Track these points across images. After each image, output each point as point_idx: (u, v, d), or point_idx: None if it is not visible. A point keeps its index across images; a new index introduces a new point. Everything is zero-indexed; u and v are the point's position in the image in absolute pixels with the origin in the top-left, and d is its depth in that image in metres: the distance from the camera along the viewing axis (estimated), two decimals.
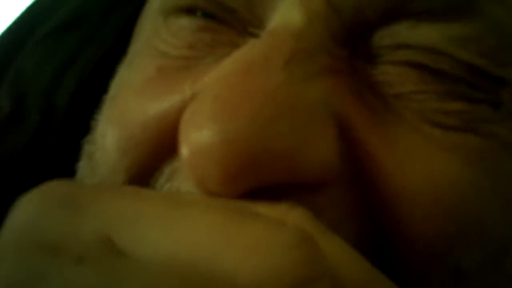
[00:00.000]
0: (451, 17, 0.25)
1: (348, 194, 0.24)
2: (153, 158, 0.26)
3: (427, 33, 0.25)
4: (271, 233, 0.19)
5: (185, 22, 0.28)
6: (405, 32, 0.25)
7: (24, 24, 0.37)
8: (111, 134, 0.28)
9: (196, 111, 0.23)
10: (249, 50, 0.24)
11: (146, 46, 0.30)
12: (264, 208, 0.21)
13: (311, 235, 0.19)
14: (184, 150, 0.22)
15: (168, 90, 0.26)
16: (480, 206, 0.25)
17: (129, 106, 0.27)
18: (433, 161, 0.24)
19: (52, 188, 0.20)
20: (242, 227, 0.19)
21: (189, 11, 0.28)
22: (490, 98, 0.25)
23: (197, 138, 0.22)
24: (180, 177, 0.25)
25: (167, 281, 0.18)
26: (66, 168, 0.33)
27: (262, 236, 0.19)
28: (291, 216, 0.21)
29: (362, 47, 0.25)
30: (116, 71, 0.32)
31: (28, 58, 0.36)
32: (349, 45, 0.25)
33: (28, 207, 0.20)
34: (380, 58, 0.25)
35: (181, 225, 0.19)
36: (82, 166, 0.30)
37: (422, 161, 0.24)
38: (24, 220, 0.19)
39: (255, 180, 0.22)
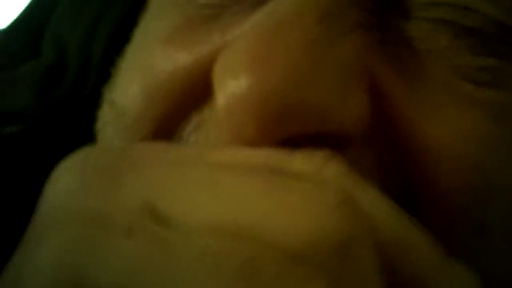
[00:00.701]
0: None
1: (377, 148, 0.24)
2: (180, 108, 0.26)
3: None
4: (314, 196, 0.19)
5: None
6: None
7: None
8: (137, 83, 0.27)
9: (232, 59, 0.23)
10: (282, 3, 0.24)
11: (164, 2, 0.29)
12: (301, 161, 0.21)
13: (350, 192, 0.20)
14: (221, 99, 0.23)
15: (196, 40, 0.26)
16: (506, 162, 0.25)
17: (156, 56, 0.27)
18: (462, 115, 0.25)
19: (89, 156, 0.20)
20: (286, 190, 0.19)
21: None
22: None
23: (235, 87, 0.22)
24: (209, 126, 0.25)
25: (216, 246, 0.18)
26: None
27: (306, 199, 0.19)
28: (328, 169, 0.21)
29: (395, 1, 0.25)
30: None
31: (66, 9, 0.37)
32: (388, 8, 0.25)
33: (67, 178, 0.19)
34: (413, 14, 0.25)
35: (225, 190, 0.19)
36: (104, 113, 0.30)
37: (451, 116, 0.25)
38: (65, 191, 0.19)
39: (290, 131, 0.23)
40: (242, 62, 0.23)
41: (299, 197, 0.19)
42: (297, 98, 0.22)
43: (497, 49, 0.25)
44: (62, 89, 0.36)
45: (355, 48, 0.24)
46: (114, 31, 0.35)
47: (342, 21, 0.24)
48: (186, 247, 0.18)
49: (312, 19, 0.23)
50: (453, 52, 0.25)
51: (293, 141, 0.23)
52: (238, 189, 0.19)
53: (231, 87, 0.22)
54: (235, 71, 0.23)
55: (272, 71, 0.22)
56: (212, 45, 0.26)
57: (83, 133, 0.26)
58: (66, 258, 0.18)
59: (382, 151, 0.24)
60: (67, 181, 0.19)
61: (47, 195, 0.19)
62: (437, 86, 0.25)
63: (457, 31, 0.25)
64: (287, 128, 0.22)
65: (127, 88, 0.28)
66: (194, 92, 0.26)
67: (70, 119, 0.35)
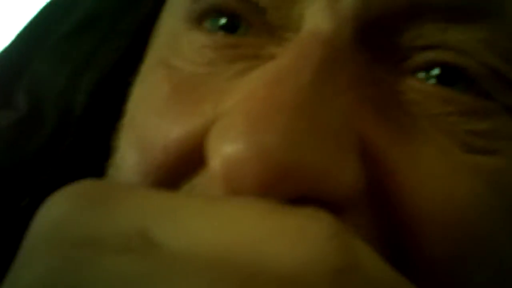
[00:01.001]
0: (477, 18, 0.25)
1: (370, 214, 0.24)
2: (173, 178, 0.26)
3: (453, 34, 0.25)
4: (310, 224, 0.19)
5: (206, 39, 0.28)
6: (433, 33, 0.25)
7: (38, 26, 0.37)
8: (132, 158, 0.28)
9: (227, 126, 0.23)
10: (278, 61, 0.25)
11: (161, 64, 0.29)
12: (295, 208, 0.21)
13: (344, 230, 0.20)
14: (217, 162, 0.22)
15: (188, 112, 0.26)
16: (496, 227, 0.25)
17: (148, 129, 0.27)
18: (455, 182, 0.25)
19: (85, 186, 0.20)
20: (281, 219, 0.19)
21: (217, 13, 0.28)
22: (509, 105, 0.25)
23: (232, 151, 0.22)
24: (198, 191, 0.25)
25: (209, 273, 0.18)
26: (83, 170, 0.33)
27: (302, 226, 0.19)
28: (320, 214, 0.21)
29: (389, 48, 0.26)
30: (131, 80, 0.32)
31: (44, 61, 0.36)
32: (376, 46, 0.25)
33: (61, 204, 0.19)
34: (406, 64, 0.26)
35: (220, 217, 0.19)
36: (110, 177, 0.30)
37: (444, 182, 0.25)
38: (58, 216, 0.19)
39: (288, 192, 0.22)
40: (237, 126, 0.23)
41: (295, 224, 0.19)
42: (295, 158, 0.22)
43: (489, 106, 0.26)
44: (36, 142, 0.35)
45: (349, 110, 0.24)
46: (97, 86, 0.35)
47: (337, 78, 0.24)
48: (179, 270, 0.18)
49: (306, 75, 0.23)
50: (448, 118, 0.25)
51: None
52: (233, 215, 0.19)
53: (228, 151, 0.22)
54: (231, 136, 0.23)
55: (268, 132, 0.22)
56: (203, 117, 0.26)
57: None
58: (53, 277, 0.18)
59: (377, 215, 0.24)
60: (59, 207, 0.20)
61: (39, 219, 0.20)
62: (433, 150, 0.25)
63: (449, 91, 0.25)
64: (286, 189, 0.22)
65: (123, 163, 0.29)
66: (186, 163, 0.26)
67: (44, 178, 0.34)
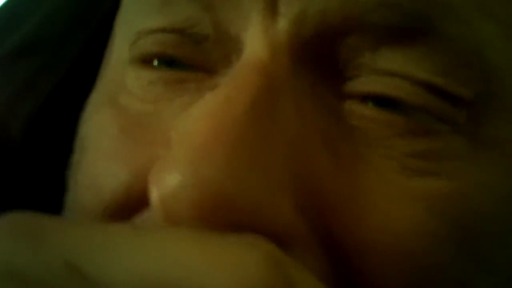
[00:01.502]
0: (408, 37, 0.25)
1: (317, 250, 0.24)
2: (121, 216, 0.26)
3: (387, 55, 0.25)
4: (243, 251, 0.19)
5: (153, 75, 0.28)
6: (366, 53, 0.25)
7: None
8: (79, 199, 0.28)
9: (166, 159, 0.23)
10: (214, 94, 0.24)
11: (107, 102, 0.29)
12: (232, 237, 0.21)
13: (281, 258, 0.20)
14: (155, 194, 0.22)
15: (136, 154, 0.26)
16: (446, 257, 0.25)
17: (95, 171, 0.28)
18: (396, 210, 0.24)
19: (13, 218, 0.20)
20: (220, 247, 0.19)
21: (157, 56, 0.28)
22: (451, 123, 0.25)
23: (169, 181, 0.22)
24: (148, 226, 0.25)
25: None
26: (22, 200, 0.32)
27: (234, 253, 0.19)
28: (259, 243, 0.20)
29: (325, 73, 0.25)
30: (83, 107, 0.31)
31: None
32: (313, 71, 0.25)
33: None
34: (344, 87, 0.25)
35: (153, 247, 0.19)
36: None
37: (384, 212, 0.24)
38: None
39: (225, 224, 0.22)
40: (175, 157, 0.23)
41: (232, 253, 0.19)
42: (230, 191, 0.22)
43: (429, 123, 0.25)
44: None
45: (287, 143, 0.24)
46: (38, 109, 0.35)
47: (274, 107, 0.24)
48: None
49: (241, 107, 0.23)
50: (387, 142, 0.25)
51: None
52: (167, 245, 0.19)
53: (165, 182, 0.22)
54: (169, 167, 0.23)
55: (205, 166, 0.22)
56: (151, 158, 0.25)
57: None
58: None
59: (323, 253, 0.24)
60: None
61: None
62: (374, 179, 0.25)
63: (389, 114, 0.25)
64: (222, 219, 0.22)
65: (73, 204, 0.29)
66: (135, 204, 0.26)
67: None
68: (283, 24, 0.25)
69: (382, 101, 0.25)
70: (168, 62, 0.27)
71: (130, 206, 0.26)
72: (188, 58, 0.27)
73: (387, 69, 0.25)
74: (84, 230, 0.20)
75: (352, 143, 0.25)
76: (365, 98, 0.25)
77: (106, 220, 0.26)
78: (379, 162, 0.25)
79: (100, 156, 0.28)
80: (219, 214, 0.22)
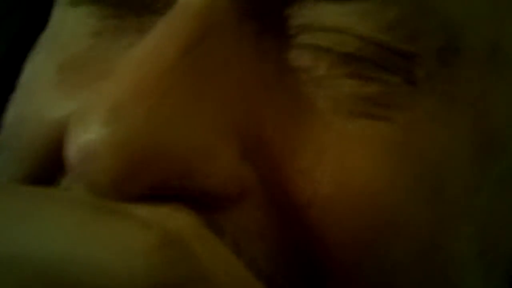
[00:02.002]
0: None
1: (257, 213, 0.22)
2: (50, 168, 0.24)
3: (328, 12, 0.23)
4: (132, 235, 0.17)
5: (91, 9, 0.26)
6: (309, 12, 0.24)
7: None
8: (7, 142, 0.26)
9: (85, 111, 0.21)
10: (143, 43, 0.22)
11: (47, 39, 0.28)
12: (144, 210, 0.19)
13: (180, 237, 0.17)
14: (70, 152, 0.21)
15: (67, 96, 0.25)
16: (403, 199, 0.23)
17: (25, 112, 0.26)
18: (345, 158, 0.22)
19: None
20: (104, 226, 0.17)
21: None
22: (404, 75, 0.23)
23: (84, 138, 0.20)
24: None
25: (11, 280, 0.16)
26: None
27: (123, 237, 0.17)
28: (171, 219, 0.19)
29: (272, 22, 0.24)
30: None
31: None
32: (258, 19, 0.23)
33: None
34: (291, 40, 0.24)
35: (42, 220, 0.17)
36: None
37: (333, 161, 0.22)
38: None
39: (147, 185, 0.20)
40: (94, 111, 0.21)
41: (117, 233, 0.17)
42: (153, 147, 0.21)
43: (378, 74, 0.23)
44: None
45: (225, 93, 0.22)
46: None
47: (209, 56, 0.22)
48: None
49: (171, 56, 0.22)
50: (332, 81, 0.23)
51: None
52: (57, 220, 0.17)
53: (80, 138, 0.21)
54: (86, 122, 0.21)
55: (126, 119, 0.21)
56: (79, 102, 0.24)
57: None
58: None
59: (268, 211, 0.22)
60: None
61: None
62: (320, 127, 0.23)
63: (334, 57, 0.23)
64: (145, 181, 0.20)
65: (3, 140, 0.27)
66: (55, 150, 0.24)
67: None
68: None
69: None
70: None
71: (56, 158, 0.24)
72: None
73: (334, 26, 0.23)
74: None
75: (297, 87, 0.23)
76: (315, 50, 0.24)
77: (31, 177, 0.25)
78: (326, 105, 0.23)
79: (37, 95, 0.26)
80: (137, 176, 0.20)
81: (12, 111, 0.27)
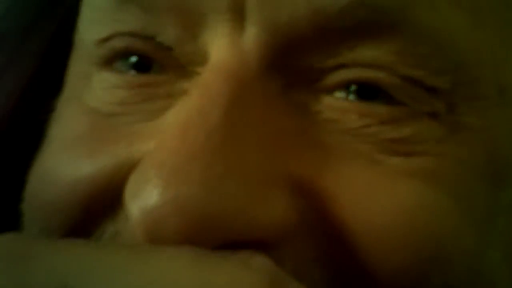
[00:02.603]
0: (383, 32, 0.25)
1: (314, 243, 0.24)
2: (87, 217, 0.26)
3: (362, 51, 0.25)
4: (242, 274, 0.19)
5: (117, 79, 0.27)
6: (341, 52, 0.25)
7: None
8: (39, 192, 0.28)
9: (143, 179, 0.22)
10: (185, 105, 0.24)
11: (75, 101, 0.29)
12: (227, 255, 0.21)
13: (281, 277, 0.20)
14: (136, 217, 0.22)
15: (101, 149, 0.26)
16: (449, 224, 0.25)
17: (58, 163, 0.27)
18: (396, 189, 0.24)
19: (5, 241, 0.20)
20: (213, 270, 0.19)
21: (125, 55, 0.27)
22: (428, 110, 0.25)
23: (148, 206, 0.22)
24: (126, 237, 0.25)
25: None
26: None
27: (234, 277, 0.19)
28: (253, 261, 0.20)
29: (301, 72, 0.25)
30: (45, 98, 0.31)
31: None
32: (287, 71, 0.25)
33: None
34: (318, 84, 0.25)
35: (147, 271, 0.19)
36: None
37: (385, 192, 0.24)
38: None
39: (214, 241, 0.22)
40: (152, 180, 0.22)
41: (228, 275, 0.19)
42: (213, 206, 0.22)
43: (406, 112, 0.25)
44: None
45: (266, 145, 0.24)
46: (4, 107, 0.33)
47: (248, 114, 0.24)
48: None
49: (214, 119, 0.23)
50: (367, 130, 0.25)
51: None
52: (160, 267, 0.19)
53: (144, 206, 0.22)
54: (146, 192, 0.22)
55: (183, 186, 0.22)
56: (116, 157, 0.25)
57: None
58: None
59: (318, 244, 0.24)
60: None
61: None
62: (362, 164, 0.25)
63: (363, 105, 0.25)
64: (209, 239, 0.22)
65: (33, 198, 0.28)
66: (100, 202, 0.25)
67: None
68: (250, 33, 0.24)
69: (362, 89, 0.25)
70: (134, 65, 0.27)
71: (92, 206, 0.26)
72: (156, 57, 0.26)
73: (367, 62, 0.25)
74: (77, 251, 0.19)
75: (330, 136, 0.25)
76: (346, 85, 0.25)
77: (65, 215, 0.26)
78: (360, 149, 0.25)
79: (64, 149, 0.27)
80: (205, 234, 0.22)
81: (44, 164, 0.28)
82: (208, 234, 0.22)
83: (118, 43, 0.27)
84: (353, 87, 0.25)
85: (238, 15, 0.24)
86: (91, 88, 0.28)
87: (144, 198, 0.22)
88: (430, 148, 0.25)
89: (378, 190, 0.24)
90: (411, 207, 0.24)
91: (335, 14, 0.24)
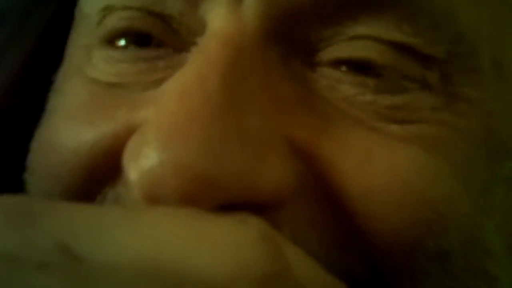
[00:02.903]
0: (380, 3, 0.25)
1: (312, 207, 0.24)
2: (90, 183, 0.26)
3: (360, 23, 0.25)
4: (235, 230, 0.20)
5: (118, 54, 0.28)
6: (336, 25, 0.25)
7: None
8: (43, 160, 0.28)
9: (142, 141, 0.23)
10: (184, 72, 0.25)
11: (76, 73, 0.29)
12: (223, 214, 0.21)
13: (272, 234, 0.20)
14: (135, 179, 0.23)
15: (101, 116, 0.26)
16: (445, 189, 0.25)
17: (60, 131, 0.28)
18: (393, 155, 0.25)
19: (6, 202, 0.20)
20: (207, 226, 0.20)
21: (125, 34, 0.28)
22: (420, 82, 0.26)
23: (147, 168, 0.22)
24: (127, 202, 0.25)
25: (135, 283, 0.18)
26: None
27: (227, 233, 0.19)
28: (248, 220, 0.21)
29: (299, 42, 0.26)
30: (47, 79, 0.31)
31: None
32: (284, 43, 0.25)
33: None
34: (317, 57, 0.26)
35: (143, 227, 0.19)
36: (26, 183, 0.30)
37: (382, 158, 0.25)
38: None
39: (211, 202, 0.22)
40: (152, 141, 0.23)
41: (220, 231, 0.20)
42: (214, 167, 0.22)
43: (402, 84, 0.26)
44: None
45: (264, 110, 0.24)
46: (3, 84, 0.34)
47: (247, 80, 0.24)
48: (103, 282, 0.18)
49: (214, 83, 0.23)
50: (364, 97, 0.25)
51: None
52: (157, 224, 0.20)
53: (143, 168, 0.22)
54: (146, 153, 0.23)
55: (183, 144, 0.22)
56: (116, 122, 0.26)
57: None
58: None
59: (321, 207, 0.24)
60: None
61: None
62: (362, 131, 0.25)
63: (358, 75, 0.25)
64: (209, 200, 0.22)
65: (35, 166, 0.29)
66: (101, 168, 0.26)
67: None
68: (249, 2, 0.25)
69: (354, 65, 0.25)
70: (135, 41, 0.27)
71: (94, 171, 0.26)
72: (155, 32, 0.27)
73: (358, 34, 0.25)
74: (76, 211, 0.20)
75: (327, 103, 0.25)
76: (337, 63, 0.25)
77: (67, 182, 0.26)
78: (357, 116, 0.25)
79: (66, 119, 0.28)
80: (203, 196, 0.22)
81: (46, 133, 0.29)
82: (206, 194, 0.22)
83: (118, 23, 0.28)
84: (343, 68, 0.26)
85: None
86: (92, 61, 0.29)
87: (143, 159, 0.22)
88: (425, 116, 0.26)
89: (375, 155, 0.25)
90: (406, 172, 0.25)
91: None
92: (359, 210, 0.24)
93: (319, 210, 0.24)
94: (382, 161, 0.25)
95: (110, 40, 0.28)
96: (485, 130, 0.27)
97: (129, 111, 0.26)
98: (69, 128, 0.27)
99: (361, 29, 0.25)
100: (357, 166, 0.24)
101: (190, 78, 0.24)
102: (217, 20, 0.25)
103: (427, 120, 0.26)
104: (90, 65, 0.29)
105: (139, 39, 0.27)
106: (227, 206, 0.22)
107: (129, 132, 0.25)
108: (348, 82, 0.25)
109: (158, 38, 0.27)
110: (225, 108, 0.23)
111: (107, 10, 0.28)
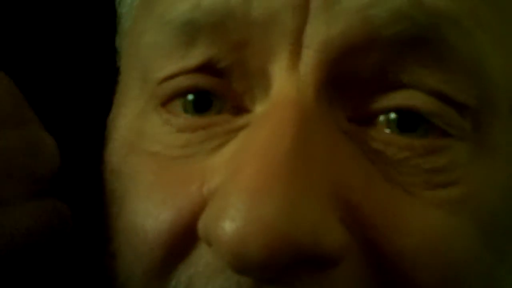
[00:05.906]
0: (421, 47, 0.27)
1: (361, 265, 0.26)
2: (168, 259, 0.28)
3: (404, 67, 0.27)
4: None
5: (180, 123, 0.29)
6: (387, 68, 0.27)
7: None
8: (125, 243, 0.29)
9: (224, 205, 0.25)
10: (254, 135, 0.27)
11: (132, 149, 0.30)
12: None
13: None
14: (225, 241, 0.24)
15: (174, 195, 0.28)
16: (469, 251, 0.27)
17: (137, 214, 0.29)
18: (424, 218, 0.27)
19: None
20: None
21: (183, 94, 0.29)
22: (459, 132, 0.28)
23: (236, 228, 0.24)
24: (206, 270, 0.27)
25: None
26: None
27: None
28: None
29: (349, 88, 0.27)
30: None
31: None
32: (335, 91, 0.27)
33: None
34: (373, 121, 0.28)
35: None
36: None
37: (415, 220, 0.27)
38: None
39: (288, 258, 0.24)
40: (235, 204, 0.24)
41: None
42: (291, 225, 0.24)
43: (442, 137, 0.28)
44: None
45: (326, 170, 0.26)
46: None
47: (312, 142, 0.26)
48: None
49: (286, 146, 0.25)
50: (407, 160, 0.28)
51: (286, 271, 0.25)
52: None
53: (231, 229, 0.24)
54: (231, 215, 0.24)
55: (266, 207, 0.24)
56: (190, 198, 0.27)
57: None
58: None
59: (368, 263, 0.27)
60: None
61: None
62: (400, 195, 0.27)
63: (407, 138, 0.27)
64: (287, 254, 0.24)
65: (118, 247, 0.30)
66: (179, 243, 0.28)
67: None
68: (308, 55, 0.27)
69: (401, 126, 0.28)
70: (192, 104, 0.29)
71: (173, 247, 0.28)
72: (215, 89, 0.29)
73: (404, 82, 0.27)
74: None
75: (377, 164, 0.27)
76: (386, 112, 0.28)
77: (151, 263, 0.28)
78: (404, 179, 0.27)
79: (139, 200, 0.29)
80: (284, 251, 0.24)
81: (124, 218, 0.30)
82: (287, 251, 0.24)
83: (183, 82, 0.29)
84: (392, 116, 0.28)
85: (296, 39, 0.27)
86: (148, 132, 0.30)
87: (229, 221, 0.24)
88: (459, 175, 0.28)
89: (410, 218, 0.27)
90: (437, 234, 0.27)
91: (383, 25, 0.26)
92: (396, 268, 0.26)
93: (365, 269, 0.27)
94: (414, 224, 0.27)
95: (166, 101, 0.29)
96: (508, 174, 0.29)
97: (200, 184, 0.27)
98: (146, 210, 0.28)
99: (406, 76, 0.27)
100: (395, 227, 0.27)
101: (265, 140, 0.26)
102: (279, 81, 0.27)
103: (458, 180, 0.28)
104: (145, 137, 0.30)
105: (196, 100, 0.29)
106: (298, 262, 0.25)
107: (203, 203, 0.27)
108: (396, 145, 0.27)
109: (217, 95, 0.29)
110: (299, 167, 0.25)
111: (163, 79, 0.29)
